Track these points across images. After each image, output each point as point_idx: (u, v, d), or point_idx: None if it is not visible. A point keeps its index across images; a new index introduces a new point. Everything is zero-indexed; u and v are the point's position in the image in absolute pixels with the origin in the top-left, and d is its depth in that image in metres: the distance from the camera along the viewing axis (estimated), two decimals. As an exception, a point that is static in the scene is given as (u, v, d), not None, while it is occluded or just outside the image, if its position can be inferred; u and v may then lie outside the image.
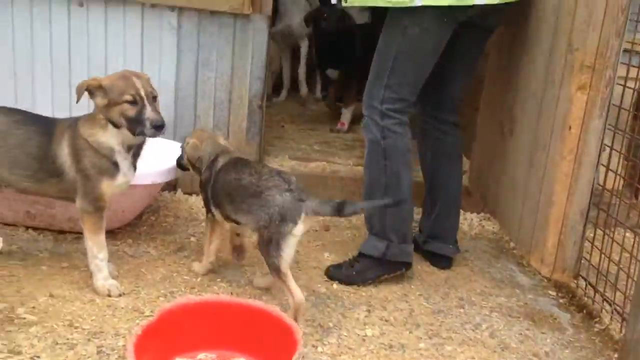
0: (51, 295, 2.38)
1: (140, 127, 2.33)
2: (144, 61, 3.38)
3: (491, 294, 2.80)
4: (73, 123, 2.45)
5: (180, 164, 2.83)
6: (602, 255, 2.75)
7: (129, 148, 2.43)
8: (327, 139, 4.39)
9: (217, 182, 2.57)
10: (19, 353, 2.02)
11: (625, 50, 2.78)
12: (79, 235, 2.89)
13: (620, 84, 2.71)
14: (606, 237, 2.72)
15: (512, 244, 3.30)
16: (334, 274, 2.82)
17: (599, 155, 2.79)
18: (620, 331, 2.45)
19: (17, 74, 3.37)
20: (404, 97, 2.74)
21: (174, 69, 3.40)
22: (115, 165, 2.42)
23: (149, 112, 2.32)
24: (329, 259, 2.98)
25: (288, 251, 2.35)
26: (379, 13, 3.00)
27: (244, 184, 2.45)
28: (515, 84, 3.14)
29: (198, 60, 3.40)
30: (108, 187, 2.42)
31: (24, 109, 2.61)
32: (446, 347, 2.35)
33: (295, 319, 2.26)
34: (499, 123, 3.28)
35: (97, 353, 2.06)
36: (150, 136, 2.39)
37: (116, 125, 2.37)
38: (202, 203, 2.75)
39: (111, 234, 2.97)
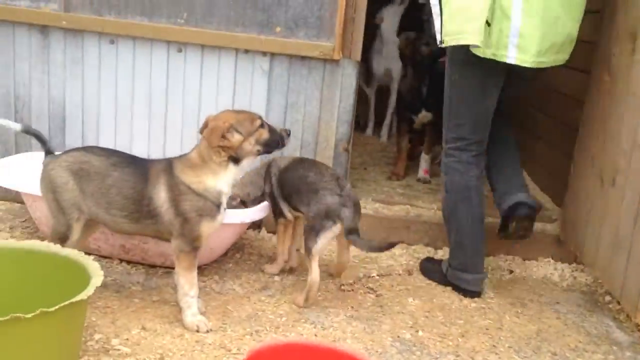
0: (143, 328, 2.44)
1: (279, 141, 2.60)
2: (235, 103, 3.49)
3: (586, 350, 2.67)
4: (167, 166, 2.51)
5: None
6: None
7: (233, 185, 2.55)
8: (410, 182, 4.36)
9: (284, 180, 2.98)
10: (113, 384, 2.08)
11: None
12: (169, 269, 2.98)
13: None
14: None
15: (607, 298, 3.14)
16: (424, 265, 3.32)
17: None
18: None
19: (117, 113, 3.55)
20: (464, 136, 3.01)
21: (263, 110, 3.49)
22: (219, 206, 2.49)
23: (274, 126, 2.60)
24: (413, 304, 2.93)
25: (323, 240, 2.78)
26: None
27: (309, 181, 2.88)
28: (616, 132, 3.02)
29: (287, 102, 3.48)
30: (208, 228, 2.49)
31: (121, 150, 2.74)
32: (540, 403, 2.25)
33: (307, 297, 2.77)
34: (597, 173, 3.15)
35: (187, 388, 2.09)
36: (285, 145, 2.66)
37: (240, 160, 2.48)
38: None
39: (199, 270, 3.02)
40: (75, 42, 3.47)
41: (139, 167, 2.55)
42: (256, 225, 3.56)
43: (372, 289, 3.03)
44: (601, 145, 3.15)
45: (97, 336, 2.33)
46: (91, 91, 3.52)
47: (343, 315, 2.73)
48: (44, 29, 3.46)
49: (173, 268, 2.90)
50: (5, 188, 3.32)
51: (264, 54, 3.42)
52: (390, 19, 5.35)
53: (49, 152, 2.65)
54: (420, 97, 4.30)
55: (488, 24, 2.68)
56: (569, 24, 2.82)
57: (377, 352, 2.45)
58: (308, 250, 2.76)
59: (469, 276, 3.07)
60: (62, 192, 2.53)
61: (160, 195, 2.47)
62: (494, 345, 2.62)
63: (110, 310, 2.56)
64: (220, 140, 2.41)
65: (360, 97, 4.88)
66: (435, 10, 2.84)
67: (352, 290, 3.01)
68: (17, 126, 2.67)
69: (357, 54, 3.43)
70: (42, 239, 2.87)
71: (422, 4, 5.26)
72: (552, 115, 4.36)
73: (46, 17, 3.42)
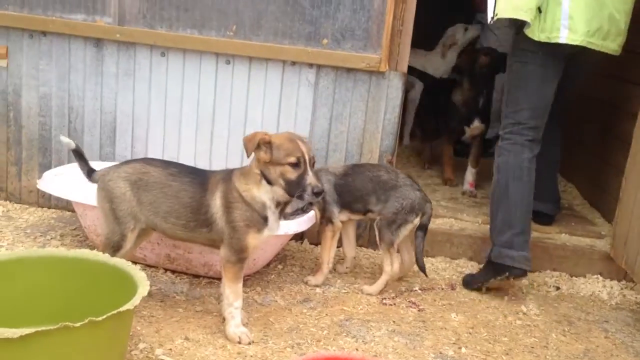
0: (186, 339, 2.48)
1: (300, 190, 2.43)
2: (280, 114, 3.53)
3: (636, 372, 2.60)
4: (227, 176, 2.57)
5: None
6: None
7: (277, 204, 2.52)
8: (454, 195, 4.32)
9: (346, 185, 3.10)
10: (156, 393, 2.12)
11: None
12: (212, 279, 3.03)
13: None
14: None
15: (658, 318, 3.05)
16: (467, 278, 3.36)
17: None
18: None
19: (166, 124, 3.62)
20: (520, 121, 3.24)
21: (308, 122, 3.52)
22: (265, 219, 2.51)
23: (310, 178, 2.44)
24: (456, 319, 2.89)
25: (403, 233, 3.03)
26: None
27: (384, 179, 3.07)
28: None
29: (332, 114, 3.50)
30: (254, 240, 2.52)
31: (177, 161, 2.80)
32: None
33: (385, 285, 3.05)
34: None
35: (228, 400, 2.12)
36: (308, 201, 2.57)
37: (270, 182, 2.47)
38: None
39: (242, 280, 3.08)
40: (128, 55, 3.56)
41: (198, 177, 2.62)
42: (298, 236, 3.58)
43: (414, 303, 3.01)
44: (654, 160, 3.07)
45: (141, 345, 2.38)
46: (141, 102, 3.62)
47: (385, 330, 2.72)
48: (98, 42, 3.57)
49: (216, 278, 2.97)
50: (56, 197, 3.44)
51: (311, 65, 3.45)
52: None
53: (90, 172, 2.72)
54: (476, 108, 4.37)
55: (540, 10, 3.01)
56: (615, 13, 3.09)
57: (418, 368, 2.43)
58: (389, 243, 3.00)
59: (514, 253, 3.13)
60: (119, 202, 2.60)
61: (216, 202, 2.53)
62: (539, 365, 2.57)
63: (154, 320, 2.62)
64: (253, 148, 2.44)
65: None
66: None
67: (394, 304, 2.99)
68: (72, 145, 2.74)
69: (404, 66, 3.42)
70: (92, 248, 2.96)
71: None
72: (604, 129, 4.26)
73: (101, 30, 3.53)
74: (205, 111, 3.59)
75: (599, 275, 3.47)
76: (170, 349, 2.39)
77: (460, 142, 4.61)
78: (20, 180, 3.76)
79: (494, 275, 3.16)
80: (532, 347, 2.71)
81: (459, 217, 3.84)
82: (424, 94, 5.07)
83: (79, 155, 2.74)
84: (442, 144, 4.70)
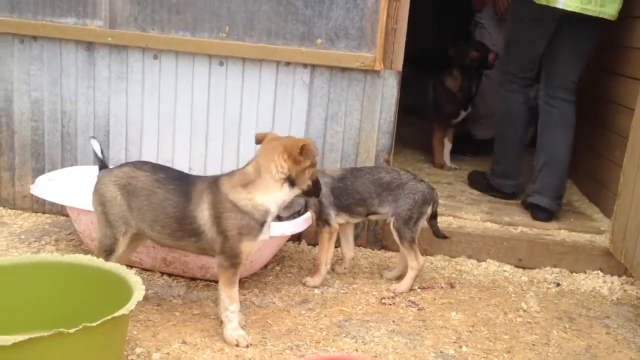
0: (184, 342, 2.45)
1: (319, 190, 2.63)
2: (275, 115, 3.50)
3: (638, 368, 2.57)
4: (213, 185, 2.48)
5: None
6: None
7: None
8: (453, 193, 4.29)
9: (344, 190, 3.08)
10: (154, 398, 2.08)
11: None
12: (209, 282, 3.00)
13: None
14: None
15: (660, 313, 3.03)
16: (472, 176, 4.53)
17: None
18: None
19: (160, 127, 3.60)
20: (513, 72, 3.98)
21: (304, 122, 3.49)
22: (262, 225, 2.47)
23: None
24: (456, 318, 2.87)
25: (420, 226, 3.08)
26: None
27: (386, 180, 3.08)
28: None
29: (327, 114, 3.47)
30: (247, 247, 2.47)
31: (168, 166, 2.77)
32: None
33: (414, 281, 3.09)
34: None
35: (227, 404, 2.09)
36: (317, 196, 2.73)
37: (292, 185, 2.48)
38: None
39: (239, 282, 3.04)
40: (120, 58, 3.53)
41: (183, 185, 2.52)
42: (296, 237, 3.56)
43: (413, 302, 2.99)
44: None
45: (138, 350, 2.35)
46: (135, 105, 3.59)
47: (384, 330, 2.69)
48: (89, 46, 3.54)
49: (213, 281, 2.94)
50: (50, 202, 3.41)
51: (305, 66, 3.42)
52: None
53: (103, 166, 2.70)
54: (470, 94, 4.94)
55: None
56: None
57: (419, 368, 2.40)
58: (411, 240, 3.04)
59: (509, 182, 4.13)
60: (110, 207, 2.56)
61: (204, 214, 2.46)
62: (541, 363, 2.54)
63: (151, 324, 2.58)
64: (299, 154, 2.43)
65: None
66: None
67: (394, 304, 2.97)
68: (98, 151, 2.72)
69: (399, 65, 3.40)
70: (87, 252, 2.93)
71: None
72: (601, 124, 4.24)
73: (92, 33, 3.50)
74: (199, 113, 3.56)
75: (599, 271, 3.45)
76: (168, 353, 2.36)
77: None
78: (13, 185, 3.73)
79: (491, 193, 4.20)
80: (534, 345, 2.68)
81: (457, 215, 3.82)
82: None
83: (96, 156, 2.71)
84: (434, 130, 5.05)
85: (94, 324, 1.86)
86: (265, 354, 2.42)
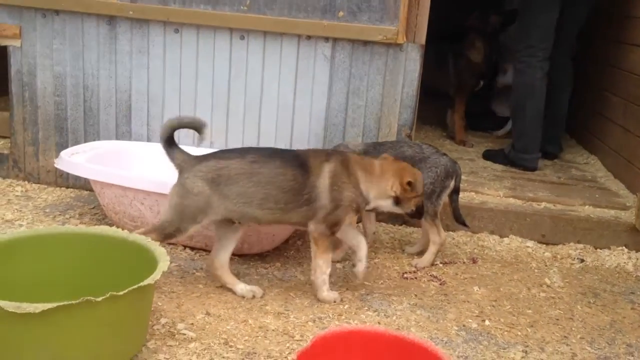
0: (208, 314, 2.47)
1: (422, 214, 2.79)
2: (297, 89, 3.49)
3: (664, 343, 2.54)
4: (333, 158, 2.64)
5: None
6: None
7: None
8: (475, 169, 4.26)
9: None
10: (179, 367, 2.10)
11: None
12: (231, 256, 3.00)
13: None
14: None
15: (686, 289, 2.99)
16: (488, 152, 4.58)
17: None
18: None
19: (181, 101, 3.60)
20: (532, 44, 4.09)
21: (325, 96, 3.47)
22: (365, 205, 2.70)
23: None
24: (479, 293, 2.85)
25: (443, 200, 3.07)
26: None
27: (409, 154, 3.03)
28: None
29: (349, 88, 3.45)
30: (348, 220, 2.67)
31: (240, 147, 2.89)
32: (615, 398, 2.15)
33: (435, 256, 3.08)
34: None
35: (251, 373, 2.10)
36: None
37: (397, 202, 2.70)
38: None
39: (261, 256, 3.07)
40: (141, 32, 3.53)
41: (292, 159, 2.63)
42: (318, 212, 3.55)
43: (435, 277, 2.98)
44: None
45: (163, 320, 2.37)
46: (156, 80, 3.59)
47: (407, 304, 2.69)
48: (111, 20, 3.53)
49: (235, 254, 2.96)
50: (74, 176, 3.44)
51: (326, 39, 3.39)
52: None
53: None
54: (491, 63, 4.97)
55: None
56: None
57: (442, 341, 2.40)
58: (433, 214, 3.02)
59: (528, 156, 4.24)
60: (192, 201, 2.55)
61: (325, 182, 2.59)
62: (565, 336, 2.52)
63: (175, 296, 2.60)
64: (405, 182, 2.64)
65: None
66: None
67: (416, 278, 2.96)
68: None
69: (422, 38, 3.36)
70: (111, 225, 2.95)
71: None
72: (628, 98, 4.17)
73: (113, 7, 3.49)
74: (221, 88, 3.55)
75: (624, 247, 3.41)
76: (192, 324, 2.37)
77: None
78: (37, 160, 3.76)
79: (510, 165, 4.29)
80: (557, 319, 2.66)
81: (480, 191, 3.79)
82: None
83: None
84: (454, 106, 4.98)
85: (121, 293, 1.87)
86: (289, 326, 2.43)
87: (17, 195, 3.61)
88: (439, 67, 4.99)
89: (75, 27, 3.57)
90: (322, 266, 2.65)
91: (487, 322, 2.58)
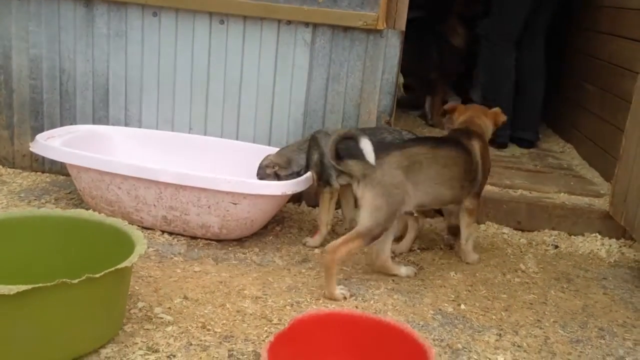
0: (185, 298, 2.47)
1: None
2: (276, 75, 3.48)
3: (635, 326, 2.59)
4: (468, 134, 2.93)
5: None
6: None
7: None
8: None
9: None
10: (157, 351, 2.10)
11: None
12: (210, 241, 3.01)
13: None
14: None
15: (657, 274, 3.06)
16: None
17: None
18: None
19: (160, 86, 3.57)
20: (507, 29, 4.36)
21: (305, 82, 3.46)
22: None
23: None
24: (455, 278, 2.89)
25: None
26: None
27: (389, 140, 3.02)
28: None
29: (329, 74, 3.45)
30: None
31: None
32: (586, 379, 2.20)
33: (413, 241, 3.13)
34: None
35: (229, 357, 2.10)
36: None
37: None
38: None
39: (239, 242, 3.07)
40: (119, 15, 3.48)
41: (451, 142, 2.90)
42: (296, 198, 3.56)
43: (413, 262, 3.00)
44: (655, 117, 3.04)
45: (140, 304, 2.36)
46: (134, 64, 3.55)
47: (384, 288, 2.71)
48: (88, 2, 3.48)
49: (214, 240, 2.96)
50: (50, 160, 3.40)
51: (307, 25, 3.38)
52: None
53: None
54: (472, 50, 5.01)
55: None
56: None
57: (418, 324, 2.42)
58: None
59: (499, 133, 3.93)
60: (395, 195, 2.61)
61: (477, 158, 2.89)
62: (538, 320, 2.56)
63: (152, 280, 2.60)
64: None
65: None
66: None
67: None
68: (372, 159, 2.57)
69: (402, 24, 3.36)
70: (87, 209, 2.93)
71: None
72: (604, 88, 4.22)
73: (90, -10, 3.45)
74: (200, 73, 3.53)
75: (597, 234, 3.46)
76: (169, 308, 2.37)
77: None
78: (12, 144, 3.71)
79: None
80: (531, 304, 2.70)
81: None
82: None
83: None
84: (435, 90, 5.08)
85: (97, 275, 1.87)
86: (266, 310, 2.44)
87: (-9, 180, 3.57)
88: (419, 53, 4.99)
89: (51, 10, 3.51)
90: (472, 233, 3.05)
91: (462, 306, 2.62)
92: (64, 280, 1.80)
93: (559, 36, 5.12)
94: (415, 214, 3.03)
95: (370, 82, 3.44)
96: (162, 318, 2.29)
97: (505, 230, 3.50)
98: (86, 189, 3.08)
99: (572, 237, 3.46)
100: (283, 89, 3.49)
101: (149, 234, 3.04)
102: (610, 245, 3.38)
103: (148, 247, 2.88)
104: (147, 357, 2.06)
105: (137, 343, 2.12)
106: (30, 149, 3.16)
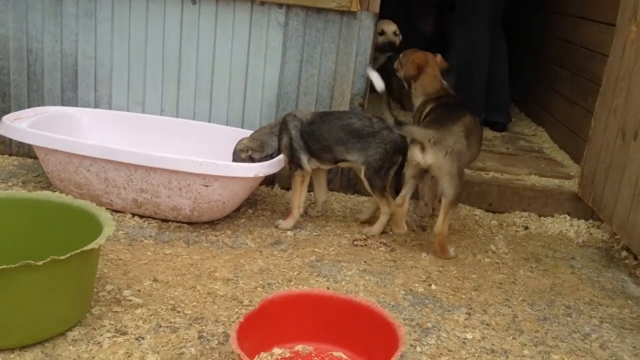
0: (155, 280, 2.45)
1: None
2: (249, 57, 3.45)
3: (601, 304, 2.64)
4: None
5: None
6: None
7: None
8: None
9: (312, 134, 3.03)
10: (125, 333, 2.09)
11: None
12: (181, 224, 2.99)
13: None
14: None
15: (623, 254, 3.11)
16: None
17: None
18: None
19: (130, 67, 3.52)
20: (485, 9, 4.40)
21: (278, 64, 3.44)
22: None
23: None
24: (427, 259, 2.91)
25: (391, 175, 3.05)
26: None
27: (357, 127, 3.01)
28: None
29: (303, 56, 3.42)
30: None
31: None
32: (552, 355, 2.23)
33: (384, 224, 3.10)
34: (619, 127, 3.08)
35: (199, 338, 2.10)
36: None
37: None
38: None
39: (211, 224, 3.05)
40: (88, -6, 3.42)
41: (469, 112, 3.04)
42: (269, 180, 3.55)
43: (385, 244, 3.02)
44: (624, 99, 3.07)
45: (108, 287, 2.34)
46: (104, 44, 3.49)
47: (356, 270, 2.72)
48: (55, -19, 3.41)
49: (185, 222, 2.94)
50: (17, 143, 3.34)
51: (280, 5, 3.35)
52: None
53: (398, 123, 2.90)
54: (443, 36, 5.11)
55: None
56: None
57: (389, 304, 2.44)
58: (382, 188, 3.03)
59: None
60: (465, 158, 2.92)
61: None
62: (507, 299, 2.60)
63: (122, 263, 2.57)
64: None
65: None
66: None
67: (365, 245, 2.99)
68: (381, 87, 2.93)
69: (376, 6, 3.34)
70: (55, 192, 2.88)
71: None
72: (572, 70, 4.26)
73: (57, -32, 3.37)
74: (171, 54, 3.48)
75: (566, 215, 3.51)
76: (139, 290, 2.36)
77: None
78: (-21, 126, 3.63)
79: None
80: (501, 283, 2.74)
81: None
82: None
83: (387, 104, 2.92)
84: None
85: (63, 257, 1.84)
86: (237, 292, 2.44)
87: (-43, 163, 3.50)
88: None
89: (18, -12, 3.44)
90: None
91: (433, 287, 2.64)
92: (28, 262, 1.77)
93: (530, 19, 5.15)
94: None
95: (344, 64, 3.43)
96: (131, 300, 2.28)
97: (477, 212, 3.54)
98: (54, 172, 3.03)
99: (542, 218, 3.51)
100: (256, 71, 3.47)
101: (119, 217, 3.01)
102: (579, 226, 3.43)
103: (117, 230, 2.86)
104: (115, 339, 2.04)
105: (105, 325, 2.11)
106: (-3, 131, 3.09)
